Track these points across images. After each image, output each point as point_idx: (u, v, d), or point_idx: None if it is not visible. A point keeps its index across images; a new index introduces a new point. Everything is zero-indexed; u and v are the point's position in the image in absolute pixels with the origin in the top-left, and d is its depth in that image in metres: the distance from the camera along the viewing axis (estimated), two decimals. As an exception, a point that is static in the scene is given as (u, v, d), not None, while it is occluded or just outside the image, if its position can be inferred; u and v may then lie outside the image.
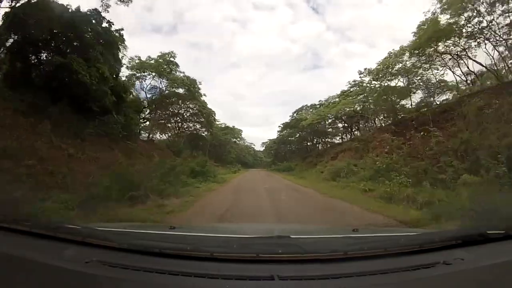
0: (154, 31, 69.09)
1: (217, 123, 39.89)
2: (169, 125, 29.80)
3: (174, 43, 79.04)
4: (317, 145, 37.70)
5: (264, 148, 63.88)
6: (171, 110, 28.42)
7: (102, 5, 13.24)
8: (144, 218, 5.46)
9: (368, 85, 22.52)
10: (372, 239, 1.66)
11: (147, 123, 26.27)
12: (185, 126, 32.25)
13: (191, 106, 28.86)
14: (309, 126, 31.55)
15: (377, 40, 67.35)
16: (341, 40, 79.59)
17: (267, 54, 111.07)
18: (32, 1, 10.83)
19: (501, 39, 13.84)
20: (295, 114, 38.21)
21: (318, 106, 33.65)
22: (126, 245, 1.28)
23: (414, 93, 20.10)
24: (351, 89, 26.67)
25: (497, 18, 13.39)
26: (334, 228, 3.55)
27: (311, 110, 34.88)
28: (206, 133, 35.46)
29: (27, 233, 1.35)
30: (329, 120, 31.92)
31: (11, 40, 11.10)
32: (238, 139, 54.97)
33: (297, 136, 40.46)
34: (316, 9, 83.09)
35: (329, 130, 33.87)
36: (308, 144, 39.89)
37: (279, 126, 44.69)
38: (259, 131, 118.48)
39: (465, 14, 13.99)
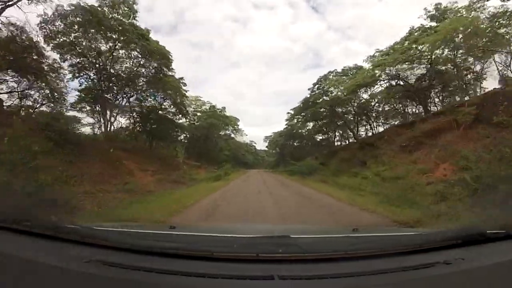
0: (154, 31, 69.05)
1: (201, 102, 29.29)
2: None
3: (175, 43, 78.92)
4: (352, 133, 25.27)
5: (267, 143, 51.51)
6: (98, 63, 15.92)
7: None
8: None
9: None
10: (372, 239, 1.66)
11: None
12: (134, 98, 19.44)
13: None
14: (354, 91, 19.36)
15: (378, 40, 67.24)
16: (342, 39, 79.22)
17: (267, 53, 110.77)
18: None
19: None
20: (315, 88, 25.59)
21: (351, 70, 22.06)
22: (126, 245, 1.28)
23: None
24: (428, 24, 15.54)
25: None
26: (334, 228, 3.56)
27: (344, 77, 22.69)
28: (184, 119, 24.27)
29: (27, 233, 1.35)
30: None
31: None
32: (234, 131, 41.36)
33: (309, 127, 29.61)
34: (316, 8, 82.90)
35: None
36: (329, 133, 29.57)
37: (288, 113, 32.67)
38: (259, 130, 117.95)
39: None
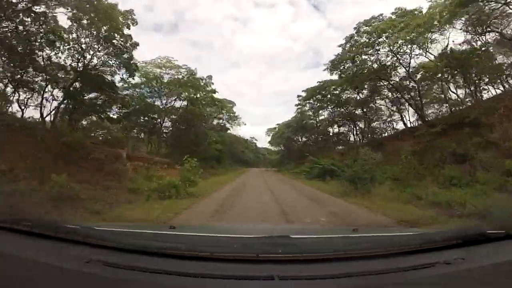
0: (155, 31, 69.11)
1: (175, 66, 21.12)
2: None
3: (175, 42, 78.79)
4: (416, 112, 17.20)
5: (270, 137, 44.15)
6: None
7: None
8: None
9: None
10: (372, 239, 1.66)
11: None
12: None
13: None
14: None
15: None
16: (342, 38, 79.05)
17: (267, 53, 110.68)
18: None
19: None
20: (346, 46, 17.86)
21: (406, 15, 15.40)
22: (126, 245, 1.28)
23: None
24: None
25: None
26: (334, 228, 3.56)
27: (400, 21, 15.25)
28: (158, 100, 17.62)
29: (27, 233, 1.35)
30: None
31: None
32: (229, 120, 32.56)
33: (322, 116, 23.25)
34: (317, 6, 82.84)
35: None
36: (358, 122, 22.09)
37: (299, 96, 26.11)
38: (259, 129, 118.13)
39: None
